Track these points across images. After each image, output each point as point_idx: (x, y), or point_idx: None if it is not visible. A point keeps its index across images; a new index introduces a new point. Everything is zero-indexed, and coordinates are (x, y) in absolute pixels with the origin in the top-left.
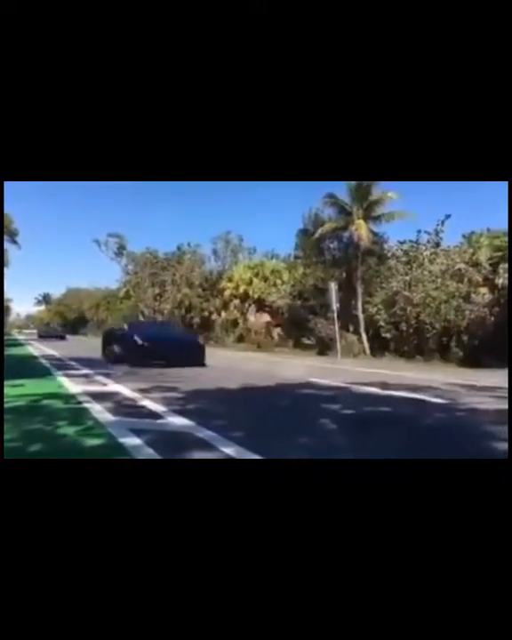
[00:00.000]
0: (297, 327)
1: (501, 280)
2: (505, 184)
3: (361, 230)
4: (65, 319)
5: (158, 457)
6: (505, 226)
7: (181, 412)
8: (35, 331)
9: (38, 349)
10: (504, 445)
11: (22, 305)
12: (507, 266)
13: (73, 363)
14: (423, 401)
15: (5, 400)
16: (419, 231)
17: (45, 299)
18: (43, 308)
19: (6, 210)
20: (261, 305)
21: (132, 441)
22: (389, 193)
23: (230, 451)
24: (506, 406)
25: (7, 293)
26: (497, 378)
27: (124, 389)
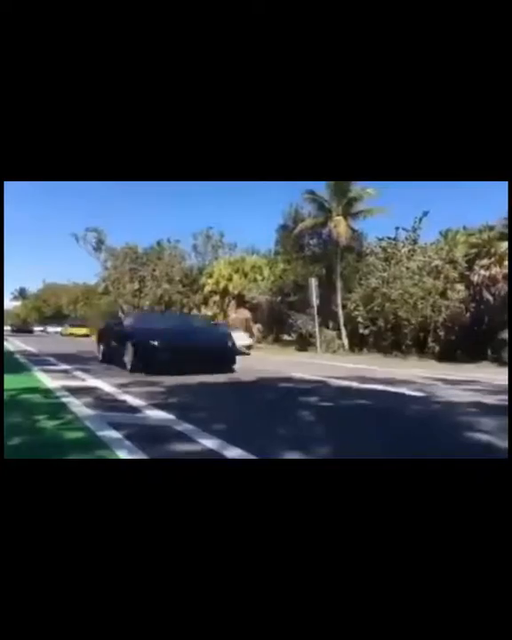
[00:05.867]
0: (277, 323)
1: (476, 277)
2: (482, 182)
3: (339, 227)
4: (42, 314)
5: (138, 450)
6: (480, 223)
7: (160, 406)
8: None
9: (14, 345)
10: (480, 436)
11: None
12: (482, 263)
13: (50, 358)
14: (402, 394)
15: None
16: (397, 228)
17: (21, 293)
18: (19, 303)
19: None
20: (241, 301)
21: (111, 434)
22: (368, 189)
23: (209, 443)
24: (478, 399)
25: None
26: (471, 372)
27: (103, 384)
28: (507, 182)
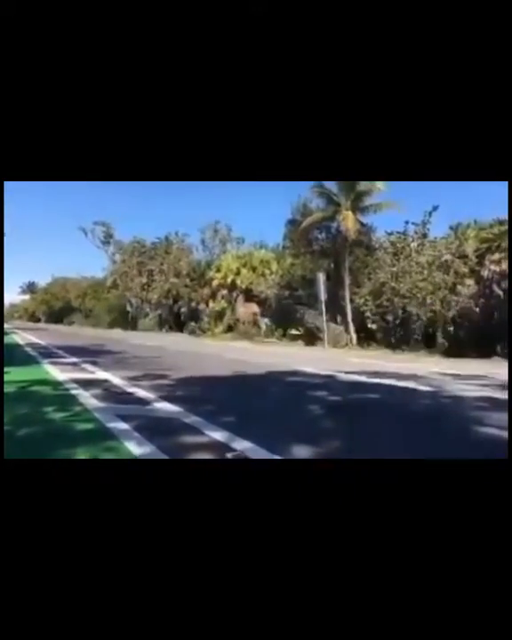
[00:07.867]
0: (285, 318)
1: (487, 272)
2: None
3: (347, 221)
4: (51, 308)
5: (146, 442)
6: (491, 217)
7: (168, 399)
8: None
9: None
10: (491, 431)
11: (7, 293)
12: (493, 258)
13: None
14: (410, 389)
15: None
16: (406, 222)
17: (30, 287)
18: (27, 296)
19: None
20: (249, 295)
21: (119, 426)
22: (377, 183)
23: (217, 435)
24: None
25: None
26: (480, 368)
27: (112, 377)
28: (506, 182)
